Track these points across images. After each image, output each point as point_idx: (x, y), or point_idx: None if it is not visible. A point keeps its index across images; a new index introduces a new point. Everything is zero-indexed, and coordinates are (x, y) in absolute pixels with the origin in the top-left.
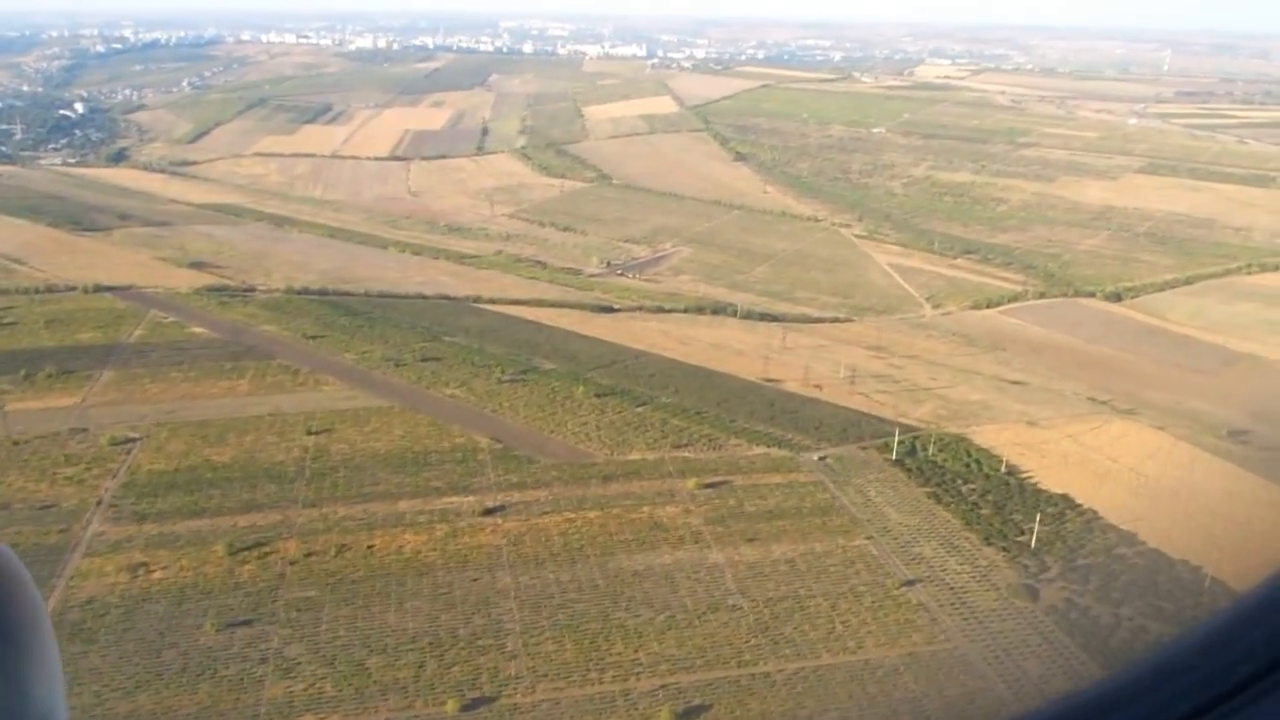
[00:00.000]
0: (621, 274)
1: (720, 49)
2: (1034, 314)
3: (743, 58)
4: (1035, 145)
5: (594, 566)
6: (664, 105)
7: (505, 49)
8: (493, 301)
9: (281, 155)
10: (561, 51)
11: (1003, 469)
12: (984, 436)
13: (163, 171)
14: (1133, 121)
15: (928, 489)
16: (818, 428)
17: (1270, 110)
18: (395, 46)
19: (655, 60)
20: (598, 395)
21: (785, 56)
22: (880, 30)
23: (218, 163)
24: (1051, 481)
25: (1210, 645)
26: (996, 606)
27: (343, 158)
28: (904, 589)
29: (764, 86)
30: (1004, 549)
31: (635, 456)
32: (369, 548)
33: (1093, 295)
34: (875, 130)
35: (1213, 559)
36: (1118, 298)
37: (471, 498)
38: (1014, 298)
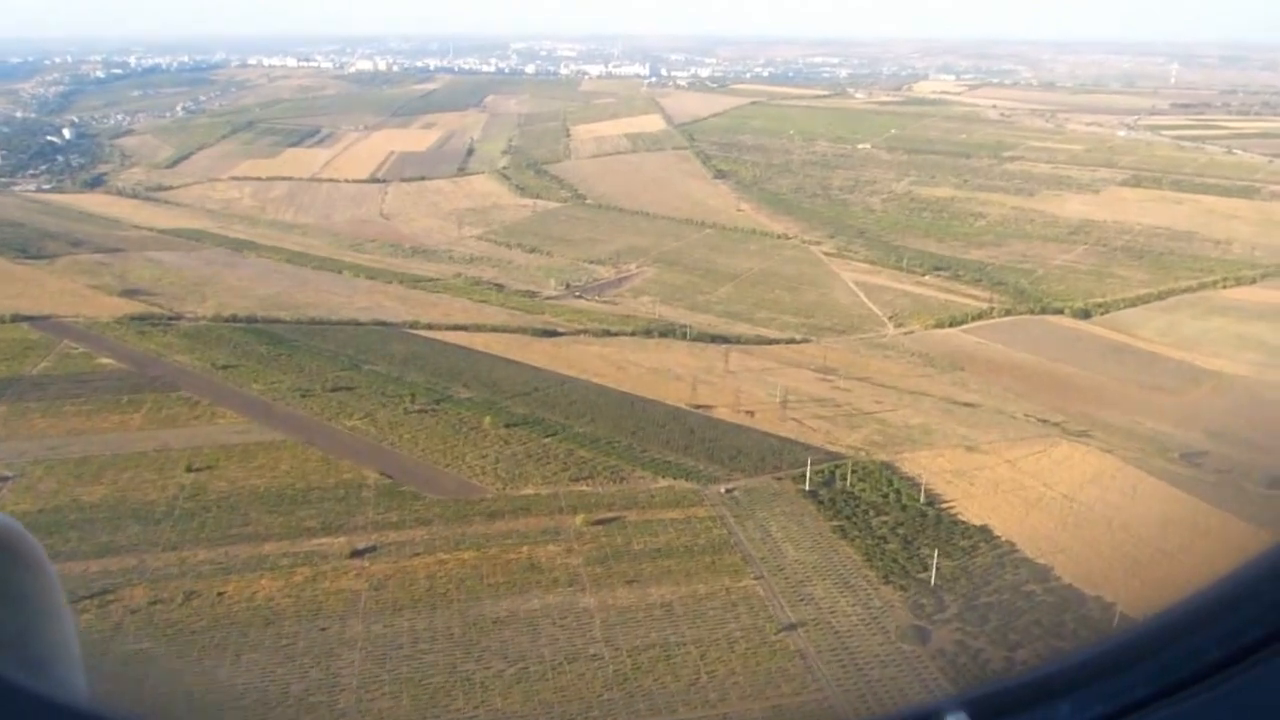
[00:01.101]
0: (579, 296)
1: (728, 67)
2: (998, 332)
3: (747, 76)
4: (1020, 159)
5: (455, 613)
6: (652, 124)
7: (507, 70)
8: (430, 327)
9: (259, 179)
10: (564, 72)
11: (921, 499)
12: (914, 463)
13: (136, 196)
14: (1121, 134)
15: (836, 522)
16: (735, 457)
17: (1265, 121)
18: (396, 69)
19: (653, 79)
20: (507, 425)
21: (791, 74)
22: (891, 47)
23: (193, 187)
24: (973, 511)
25: (1223, 604)
26: (880, 651)
27: (321, 181)
28: (783, 634)
29: (754, 103)
30: (902, 587)
31: (529, 491)
32: (220, 594)
33: (1061, 312)
34: (860, 146)
35: (1129, 594)
36: (1086, 314)
37: (343, 538)
38: (979, 315)
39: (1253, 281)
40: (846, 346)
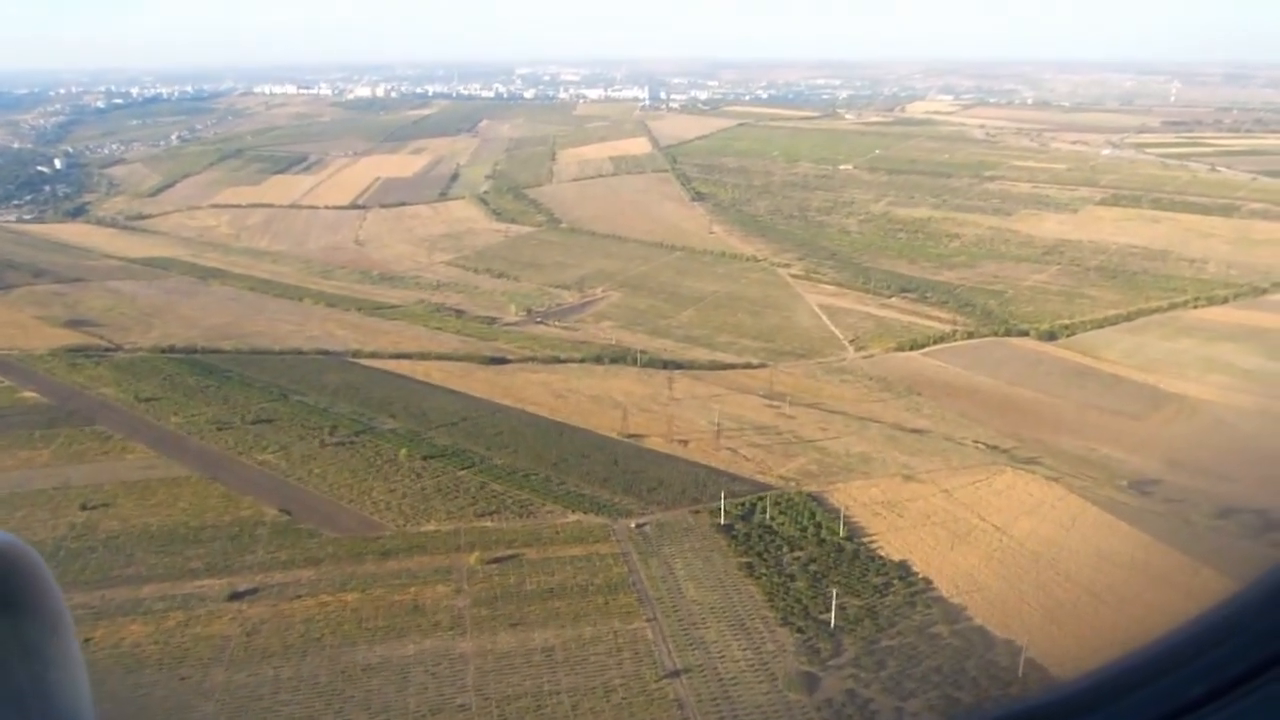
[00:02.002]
0: (539, 322)
1: (729, 90)
2: (960, 355)
3: (746, 98)
4: (1001, 179)
5: (325, 659)
6: (638, 146)
7: (506, 95)
8: (374, 355)
9: (239, 206)
10: (563, 96)
11: (842, 533)
12: (845, 494)
13: (114, 225)
14: (1105, 152)
15: (745, 559)
16: (655, 489)
17: (1255, 138)
18: (395, 95)
19: (646, 103)
20: (425, 458)
21: (791, 96)
22: (894, 68)
23: (173, 215)
24: (895, 546)
25: (1208, 638)
26: (764, 701)
27: (301, 208)
28: (665, 682)
29: (741, 125)
30: (800, 630)
31: (430, 528)
32: (86, 641)
33: (1026, 334)
34: (842, 167)
35: (1043, 638)
36: (1052, 336)
37: (225, 580)
38: (941, 338)
39: (1225, 301)
40: (803, 371)
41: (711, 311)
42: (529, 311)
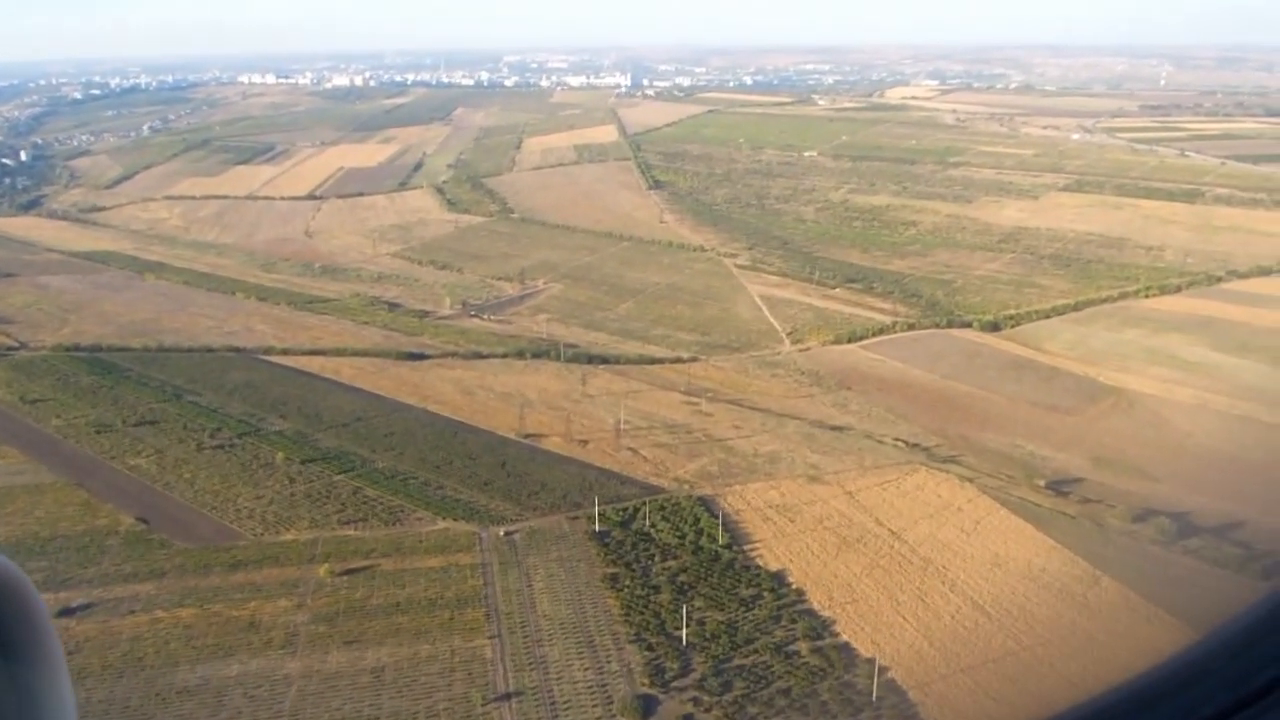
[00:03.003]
0: (473, 315)
1: (717, 76)
2: (898, 348)
3: (731, 84)
4: (966, 165)
5: (143, 681)
6: (605, 134)
7: (487, 82)
8: (286, 352)
9: (194, 198)
10: (545, 83)
11: (721, 540)
12: (741, 497)
13: (66, 218)
14: (1075, 137)
15: (612, 569)
16: (538, 493)
17: (1232, 122)
18: (374, 83)
19: (621, 90)
20: (304, 461)
21: (777, 82)
22: (885, 53)
23: (126, 207)
24: (777, 553)
25: (1213, 661)
26: None
27: (257, 199)
28: (493, 706)
29: (711, 112)
30: (650, 647)
31: (288, 537)
32: None
33: (969, 325)
34: (807, 153)
35: (912, 657)
36: (995, 327)
37: (61, 595)
38: (881, 330)
39: (1177, 290)
40: (734, 365)
41: (651, 303)
42: (464, 304)
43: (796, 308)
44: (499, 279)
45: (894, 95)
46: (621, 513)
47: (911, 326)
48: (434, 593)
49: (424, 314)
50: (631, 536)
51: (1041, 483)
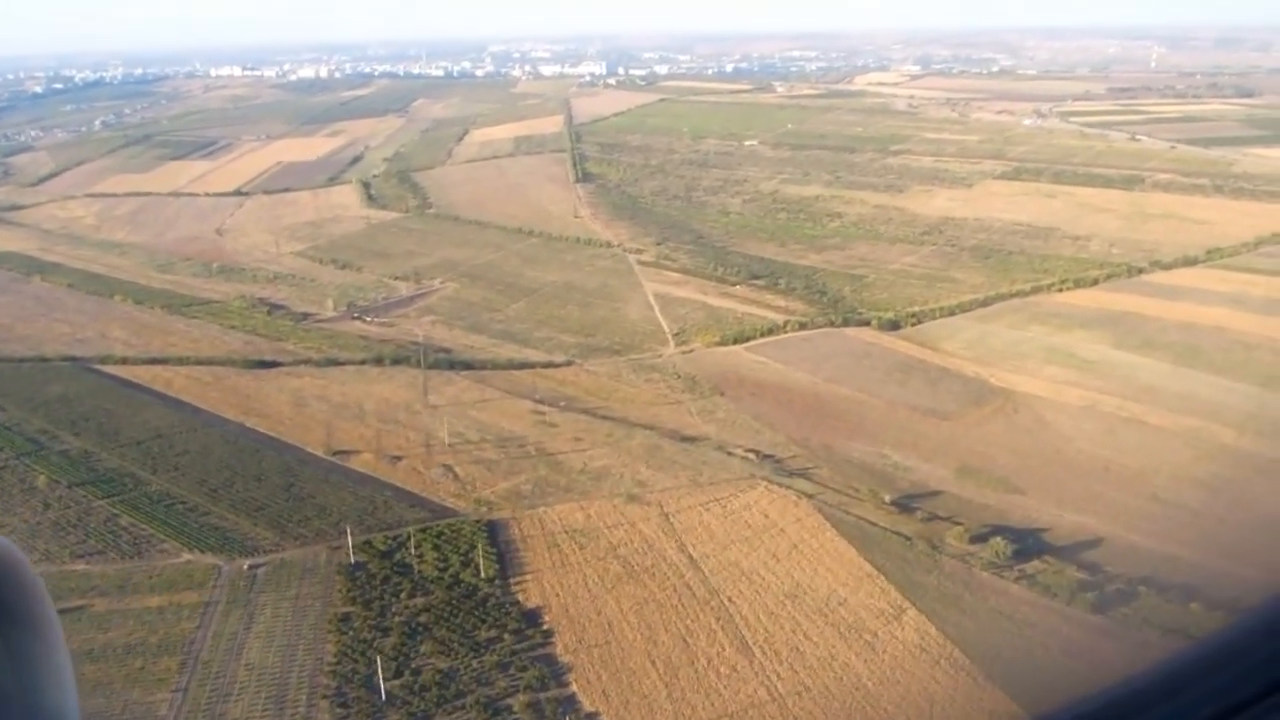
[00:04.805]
0: (356, 318)
1: (700, 64)
2: (785, 349)
3: (710, 71)
4: (907, 152)
5: None
6: (550, 125)
7: (457, 73)
8: (124, 362)
9: (115, 195)
10: (516, 73)
11: (486, 573)
12: (540, 521)
13: None
14: (1027, 122)
15: (349, 609)
16: (312, 519)
17: (1198, 104)
18: (339, 75)
19: (587, 79)
20: (72, 485)
21: (758, 69)
22: (873, 38)
23: (45, 205)
24: (542, 588)
25: (1213, 662)
26: None
27: (180, 195)
28: None
29: (662, 101)
30: (344, 704)
31: None
32: None
33: (868, 323)
34: (748, 142)
35: (640, 711)
36: (895, 325)
37: None
38: (771, 330)
39: (1094, 283)
40: (609, 370)
41: (542, 304)
42: (349, 306)
43: (690, 306)
44: (396, 278)
45: (861, 81)
46: (390, 541)
47: (804, 325)
48: (138, 638)
49: (304, 317)
50: (387, 569)
51: (888, 498)
